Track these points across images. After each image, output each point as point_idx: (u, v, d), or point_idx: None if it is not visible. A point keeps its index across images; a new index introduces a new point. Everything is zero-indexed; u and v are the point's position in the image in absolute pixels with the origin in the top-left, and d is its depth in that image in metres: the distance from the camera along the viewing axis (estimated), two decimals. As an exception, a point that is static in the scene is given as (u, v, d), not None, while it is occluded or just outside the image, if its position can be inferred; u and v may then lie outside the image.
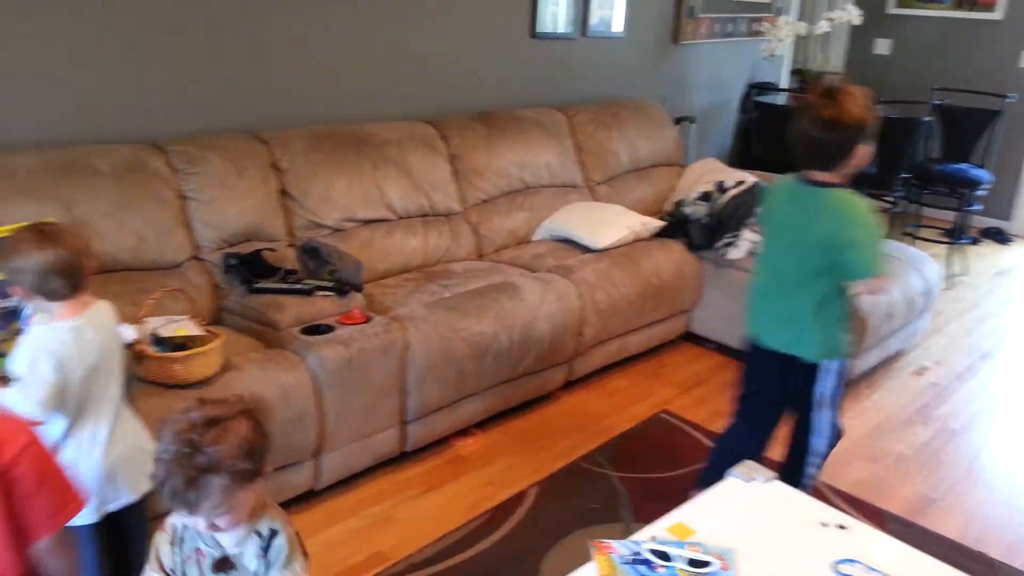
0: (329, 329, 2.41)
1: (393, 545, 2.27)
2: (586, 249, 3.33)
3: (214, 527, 1.24)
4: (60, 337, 1.64)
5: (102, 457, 1.70)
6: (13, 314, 2.17)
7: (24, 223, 1.74)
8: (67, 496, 1.30)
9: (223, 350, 2.16)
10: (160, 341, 2.08)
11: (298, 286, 2.53)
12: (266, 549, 1.31)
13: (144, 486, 1.75)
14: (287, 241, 2.82)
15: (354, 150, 3.02)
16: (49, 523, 1.27)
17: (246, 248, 2.66)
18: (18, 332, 2.12)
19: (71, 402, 1.66)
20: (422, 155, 3.21)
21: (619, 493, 2.54)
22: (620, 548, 1.71)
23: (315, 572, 2.11)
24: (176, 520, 1.33)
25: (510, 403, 2.93)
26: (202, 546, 1.32)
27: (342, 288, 2.56)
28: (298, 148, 2.90)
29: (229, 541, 1.30)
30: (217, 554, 1.31)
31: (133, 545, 1.79)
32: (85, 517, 1.71)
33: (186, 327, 2.14)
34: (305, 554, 1.37)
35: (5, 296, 2.23)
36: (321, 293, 2.54)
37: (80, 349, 1.66)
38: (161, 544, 1.34)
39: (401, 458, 2.65)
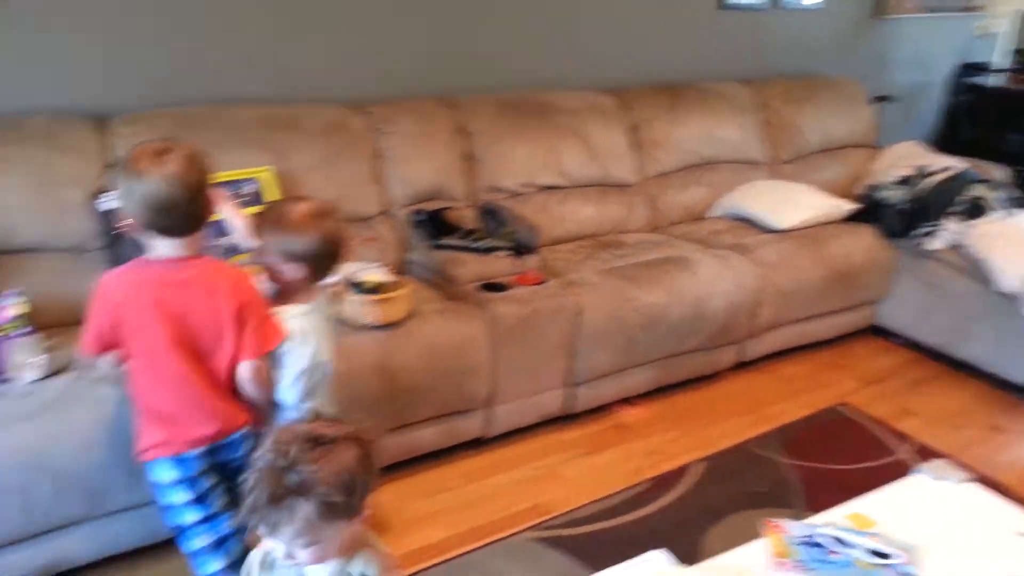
0: (505, 288, 2.49)
1: (554, 499, 2.32)
2: (766, 229, 3.20)
3: (291, 557, 1.12)
4: (312, 322, 1.69)
5: None
6: (230, 252, 2.41)
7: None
8: (275, 330, 1.63)
9: (411, 298, 2.28)
10: (356, 285, 2.23)
11: (477, 245, 2.62)
12: None
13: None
14: (467, 202, 2.93)
15: (536, 118, 3.07)
16: (264, 347, 1.62)
17: (431, 206, 2.79)
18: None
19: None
20: (602, 125, 3.21)
21: (789, 480, 2.44)
22: (793, 529, 1.66)
23: (480, 516, 2.22)
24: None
25: (676, 377, 2.89)
26: None
27: (519, 249, 2.63)
28: (484, 114, 2.99)
29: None
30: None
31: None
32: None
33: (379, 274, 2.29)
34: None
35: (223, 235, 2.48)
36: (498, 253, 2.62)
37: (319, 334, 1.71)
38: (253, 564, 1.26)
39: (565, 419, 2.69)
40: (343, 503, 1.08)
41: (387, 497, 2.26)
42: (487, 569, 2.03)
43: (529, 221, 2.70)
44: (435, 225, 2.70)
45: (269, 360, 1.64)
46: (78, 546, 1.90)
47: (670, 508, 2.31)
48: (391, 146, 2.78)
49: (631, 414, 2.80)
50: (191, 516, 1.62)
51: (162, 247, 1.52)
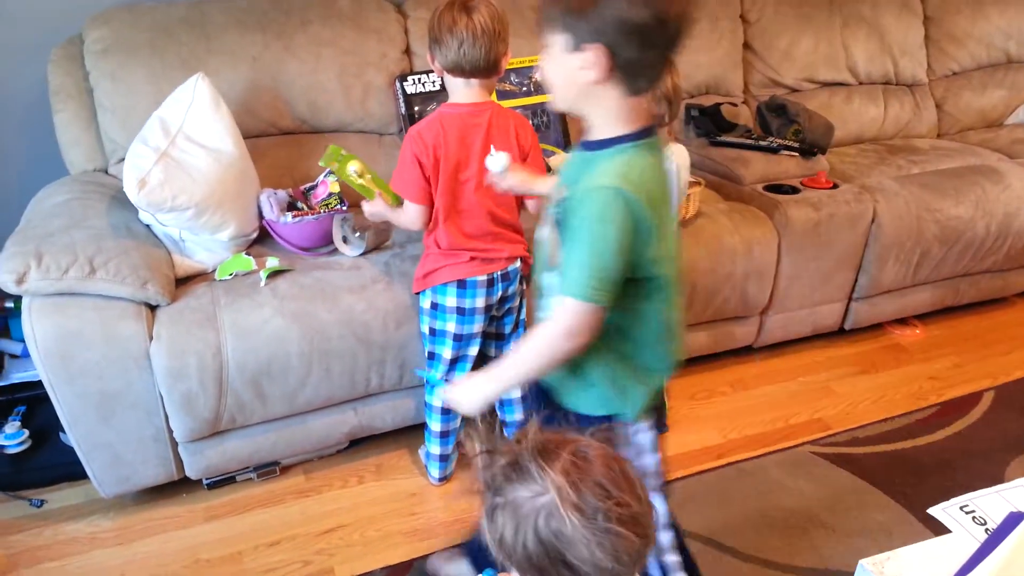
0: (794, 190, 2.34)
1: (833, 415, 2.23)
2: (1080, 139, 2.80)
3: None
4: None
5: None
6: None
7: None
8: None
9: (700, 196, 2.20)
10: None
11: (764, 143, 2.46)
12: None
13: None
14: (742, 97, 2.76)
15: (825, 5, 2.80)
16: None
17: (706, 101, 2.65)
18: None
19: None
20: (896, 15, 2.88)
21: (1100, 421, 2.21)
22: None
23: (756, 424, 2.18)
24: None
25: (961, 300, 2.65)
26: None
27: (809, 150, 2.45)
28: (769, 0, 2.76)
29: None
30: None
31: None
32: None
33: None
34: None
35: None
36: (786, 152, 2.45)
37: None
38: None
39: (837, 334, 2.57)
40: None
41: (659, 394, 2.26)
42: (769, 478, 2.00)
43: (824, 118, 2.49)
44: (712, 121, 2.56)
45: None
46: (383, 414, 2.03)
47: (962, 437, 2.16)
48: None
49: (907, 335, 2.62)
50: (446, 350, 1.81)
51: (461, 92, 1.65)
